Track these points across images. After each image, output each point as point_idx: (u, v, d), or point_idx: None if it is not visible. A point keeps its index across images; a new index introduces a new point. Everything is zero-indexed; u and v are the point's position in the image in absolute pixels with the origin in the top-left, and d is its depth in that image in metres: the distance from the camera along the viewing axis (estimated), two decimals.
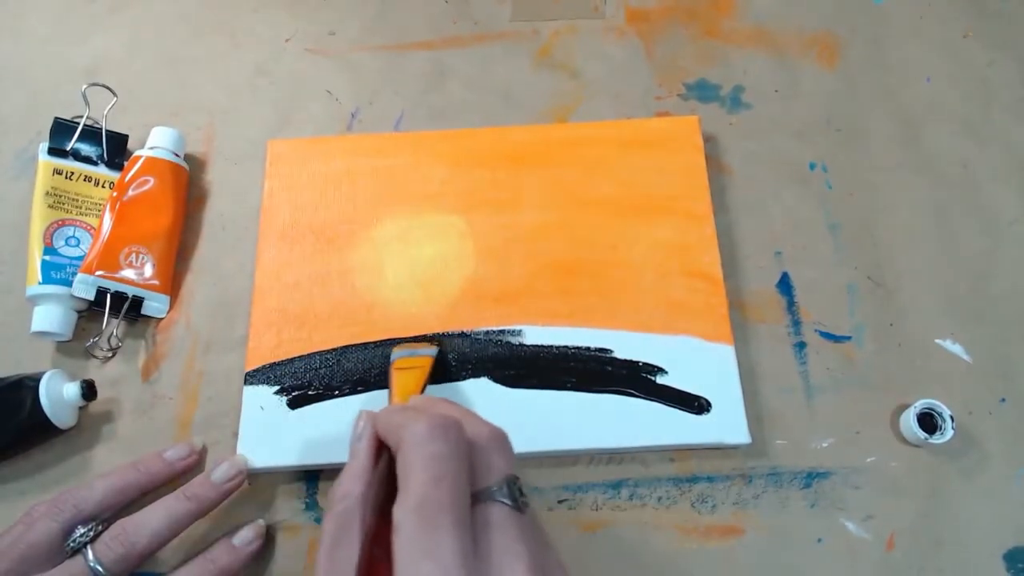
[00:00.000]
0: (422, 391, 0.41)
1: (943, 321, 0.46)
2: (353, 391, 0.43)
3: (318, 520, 0.42)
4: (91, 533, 0.37)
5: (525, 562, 0.26)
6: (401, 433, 0.29)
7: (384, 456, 0.32)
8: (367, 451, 0.32)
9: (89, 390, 0.43)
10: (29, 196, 0.48)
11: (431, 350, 0.43)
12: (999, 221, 0.48)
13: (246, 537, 0.40)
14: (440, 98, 0.54)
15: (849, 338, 0.46)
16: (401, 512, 0.26)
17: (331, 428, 0.42)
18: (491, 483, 0.29)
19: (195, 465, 0.43)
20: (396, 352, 0.43)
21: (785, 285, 0.47)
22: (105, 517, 0.39)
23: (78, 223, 0.48)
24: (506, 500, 0.28)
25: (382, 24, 0.56)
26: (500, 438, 0.31)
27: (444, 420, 0.29)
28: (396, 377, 0.41)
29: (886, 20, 0.55)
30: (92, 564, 0.36)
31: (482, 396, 0.43)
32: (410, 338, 0.44)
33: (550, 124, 0.52)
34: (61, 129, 0.49)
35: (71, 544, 0.37)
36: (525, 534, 0.28)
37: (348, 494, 0.30)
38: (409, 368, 0.41)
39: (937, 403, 0.42)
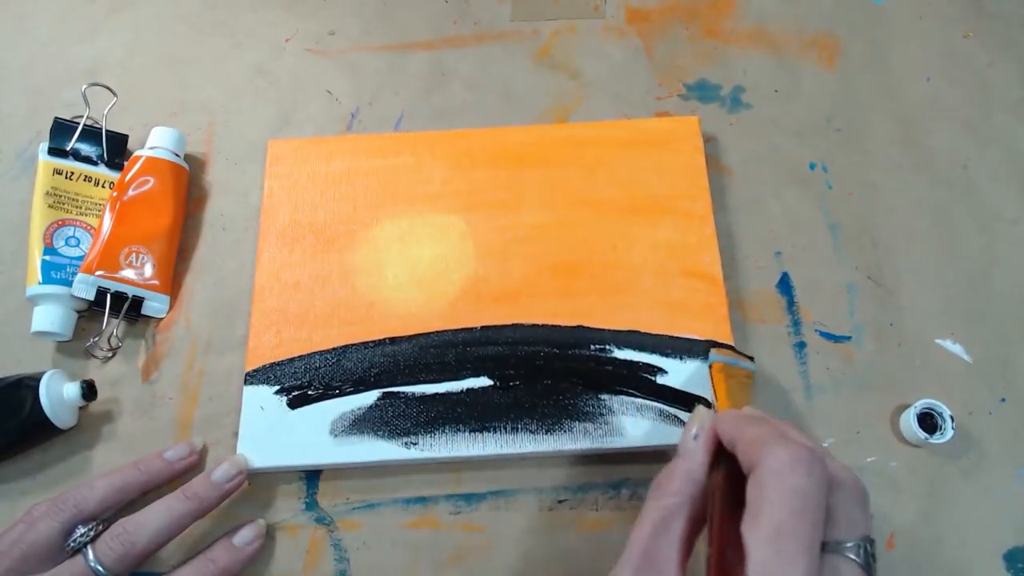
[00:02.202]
0: (750, 403, 0.40)
1: (943, 321, 0.46)
2: (354, 391, 0.43)
3: (318, 520, 0.42)
4: (91, 533, 0.37)
5: None
6: (758, 451, 0.28)
7: (723, 463, 0.31)
8: (705, 452, 0.32)
9: (89, 390, 0.43)
10: (29, 196, 0.48)
11: (751, 364, 0.42)
12: (999, 221, 0.48)
13: (246, 537, 0.40)
14: (440, 98, 0.54)
15: (849, 338, 0.46)
16: (755, 538, 0.26)
17: (331, 428, 0.42)
18: (848, 538, 0.28)
19: (195, 465, 0.43)
20: (715, 355, 0.42)
21: (785, 285, 0.47)
22: (106, 516, 0.39)
23: (78, 223, 0.48)
24: (859, 560, 0.27)
25: (382, 24, 0.56)
26: (863, 491, 0.29)
27: (809, 453, 0.27)
28: (721, 381, 0.40)
29: (886, 20, 0.55)
30: (92, 564, 0.36)
31: (482, 395, 0.43)
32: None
33: (550, 124, 0.52)
34: (61, 129, 0.49)
35: (72, 544, 0.37)
36: None
37: (679, 492, 0.30)
38: (733, 376, 0.41)
39: (937, 403, 0.42)
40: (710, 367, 0.42)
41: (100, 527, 0.38)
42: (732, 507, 0.28)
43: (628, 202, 0.48)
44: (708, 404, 0.42)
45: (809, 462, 0.27)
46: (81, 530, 0.37)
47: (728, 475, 0.30)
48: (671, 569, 0.29)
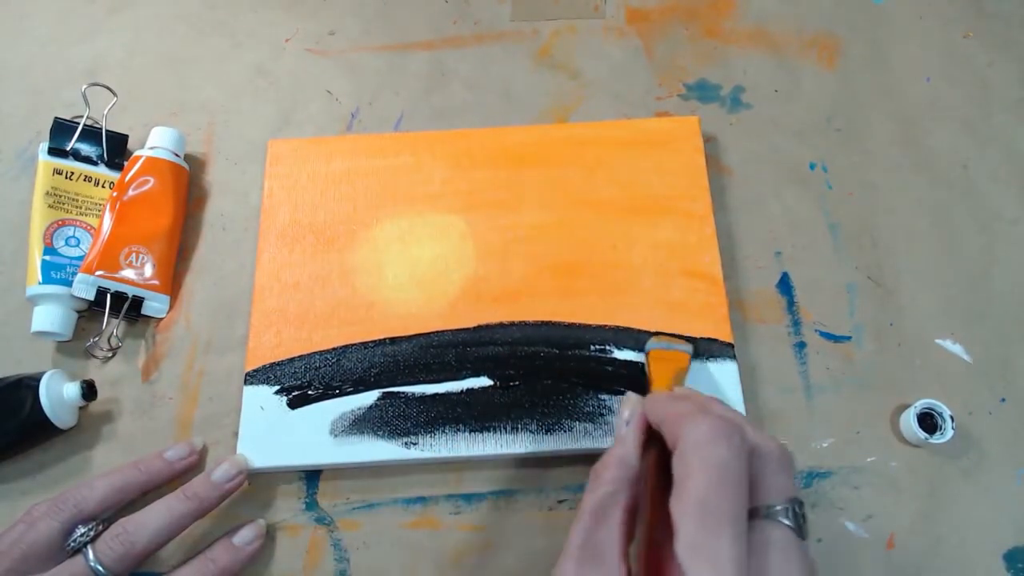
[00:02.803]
0: (682, 385, 0.41)
1: (943, 321, 0.46)
2: (354, 391, 0.43)
3: (318, 520, 0.42)
4: (91, 533, 0.37)
5: None
6: (680, 427, 0.28)
7: (654, 446, 0.32)
8: (636, 436, 0.32)
9: (89, 390, 0.43)
10: (29, 196, 0.48)
11: (687, 346, 0.43)
12: (999, 221, 0.48)
13: (246, 536, 0.40)
14: (440, 98, 0.54)
15: (849, 338, 0.46)
16: (679, 511, 0.26)
17: (331, 428, 0.42)
18: (775, 502, 0.28)
19: (195, 465, 0.43)
20: (652, 343, 0.43)
21: (785, 285, 0.47)
22: (106, 516, 0.39)
23: (78, 223, 0.48)
24: (789, 523, 0.27)
25: (382, 24, 0.56)
26: (787, 456, 0.30)
27: (728, 424, 0.28)
28: (655, 366, 0.42)
29: (886, 20, 0.55)
30: (92, 564, 0.36)
31: (482, 395, 0.43)
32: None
33: (550, 124, 0.52)
34: (61, 129, 0.49)
35: (72, 544, 0.37)
36: (804, 563, 0.27)
37: (615, 479, 0.30)
38: (667, 360, 0.42)
39: (937, 403, 0.42)
40: (647, 354, 0.42)
41: (100, 527, 0.38)
42: (663, 487, 0.29)
43: (628, 202, 0.48)
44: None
45: (727, 432, 0.27)
46: (81, 530, 0.37)
47: (659, 456, 0.31)
48: (612, 558, 0.29)
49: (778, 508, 0.28)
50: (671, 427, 0.29)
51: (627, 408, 0.34)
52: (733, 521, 0.25)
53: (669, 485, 0.27)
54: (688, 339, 0.43)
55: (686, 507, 0.26)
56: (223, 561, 0.39)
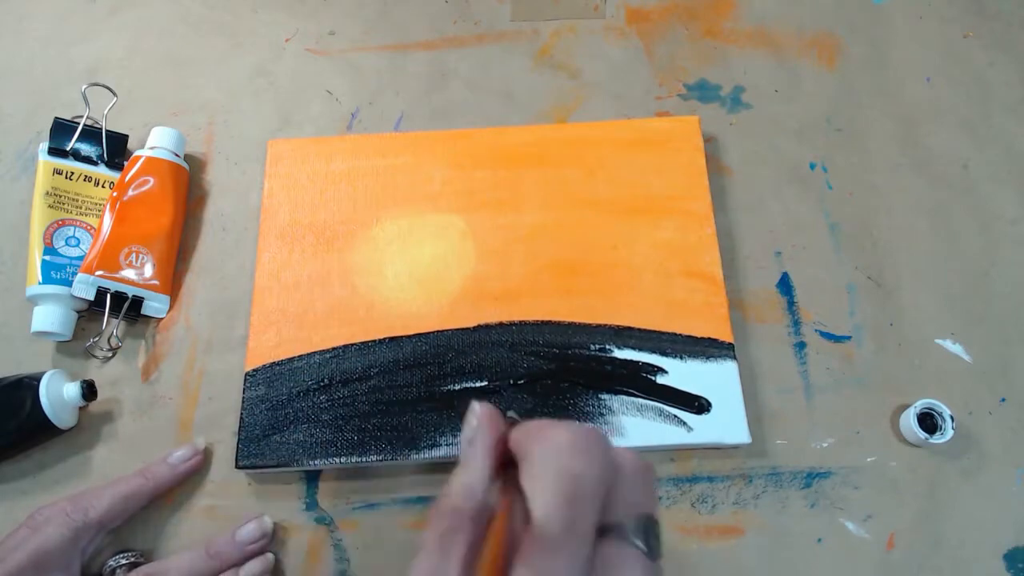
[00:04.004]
0: None
1: (943, 321, 0.46)
2: (354, 390, 0.43)
3: (318, 520, 0.42)
4: (124, 562, 0.39)
5: None
6: (535, 438, 0.25)
7: (511, 470, 0.27)
8: (483, 459, 0.27)
9: (89, 390, 0.43)
10: (29, 196, 0.48)
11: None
12: (999, 221, 0.48)
13: (252, 534, 0.40)
14: (440, 98, 0.54)
15: (849, 338, 0.46)
16: (527, 532, 0.23)
17: (331, 428, 0.42)
18: (627, 520, 0.25)
19: (200, 465, 0.43)
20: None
21: (785, 285, 0.47)
22: (113, 526, 0.39)
23: (78, 223, 0.48)
24: (640, 544, 0.25)
25: (382, 24, 0.56)
26: (648, 471, 0.27)
27: (588, 434, 0.25)
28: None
29: (886, 20, 0.55)
30: None
31: (482, 395, 0.43)
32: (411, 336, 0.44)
33: (550, 124, 0.52)
34: (61, 129, 0.49)
35: (106, 570, 0.38)
36: None
37: (457, 510, 0.26)
38: None
39: (937, 403, 0.42)
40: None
41: (136, 556, 0.40)
42: (516, 512, 0.25)
43: (628, 202, 0.48)
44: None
45: (589, 443, 0.25)
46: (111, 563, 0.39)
47: (511, 478, 0.27)
48: None
49: (629, 527, 0.25)
50: (525, 438, 0.26)
51: (472, 422, 0.28)
52: (577, 542, 0.23)
53: (524, 512, 0.24)
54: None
55: (532, 524, 0.23)
56: (226, 554, 0.39)
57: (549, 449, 0.24)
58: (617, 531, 0.25)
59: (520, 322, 0.45)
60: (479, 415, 0.28)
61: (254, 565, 0.40)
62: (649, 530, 0.25)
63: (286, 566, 0.41)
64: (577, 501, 0.23)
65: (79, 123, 0.49)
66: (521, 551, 0.23)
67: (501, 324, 0.45)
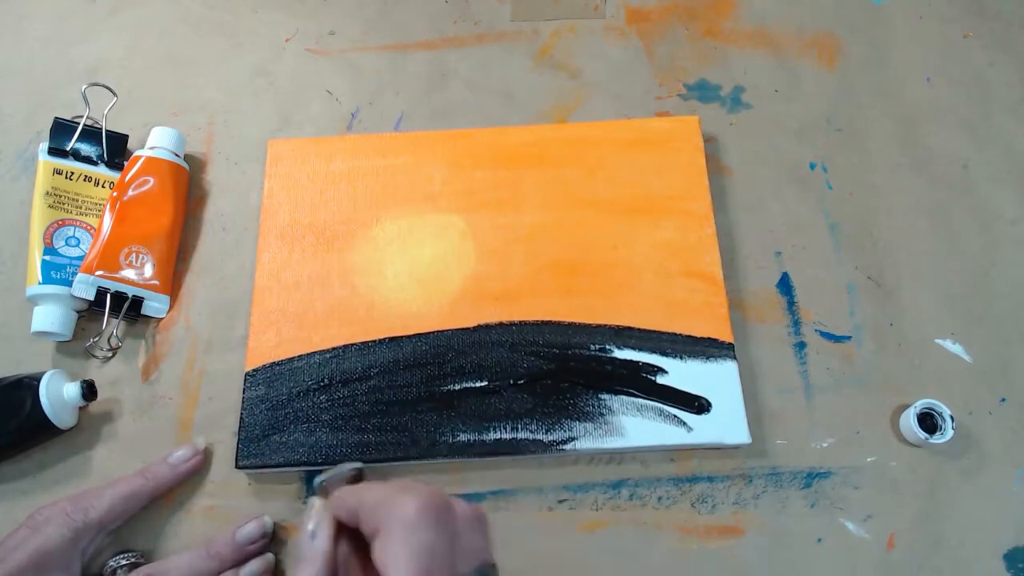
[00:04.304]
0: None
1: (943, 321, 0.46)
2: (354, 390, 0.43)
3: None
4: (125, 563, 0.39)
5: None
6: (382, 515, 0.26)
7: (346, 538, 0.28)
8: (326, 551, 0.28)
9: (89, 390, 0.43)
10: (29, 196, 0.48)
11: (354, 464, 0.34)
12: (999, 221, 0.48)
13: (252, 533, 0.40)
14: (440, 98, 0.54)
15: (849, 338, 0.46)
16: None
17: (331, 428, 0.42)
18: (469, 571, 0.26)
19: (200, 466, 0.43)
20: (317, 479, 0.33)
21: (785, 285, 0.47)
22: (114, 526, 0.39)
23: (78, 223, 0.48)
24: None
25: (382, 24, 0.56)
26: (481, 519, 0.28)
27: (435, 501, 0.26)
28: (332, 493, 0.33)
29: (886, 20, 0.55)
30: None
31: (481, 395, 0.43)
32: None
33: (550, 124, 0.52)
34: (61, 129, 0.49)
35: (107, 570, 0.38)
36: None
37: None
38: (338, 484, 0.33)
39: (937, 403, 0.42)
40: (317, 489, 0.32)
41: (133, 557, 0.39)
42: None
43: (628, 202, 0.48)
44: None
45: (436, 511, 0.25)
46: (111, 564, 0.39)
47: (357, 552, 0.27)
48: None
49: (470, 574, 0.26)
50: (371, 515, 0.26)
51: (312, 518, 0.29)
52: None
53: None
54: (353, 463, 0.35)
55: None
56: (225, 552, 0.39)
57: (400, 526, 0.25)
58: None
59: (520, 322, 0.45)
60: (318, 507, 0.29)
61: (254, 565, 0.40)
62: (487, 574, 0.26)
63: (286, 566, 0.41)
64: (434, 572, 0.24)
65: (79, 123, 0.49)
66: None
67: (501, 324, 0.45)
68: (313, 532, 0.28)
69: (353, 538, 0.28)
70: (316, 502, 0.29)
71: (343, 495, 0.29)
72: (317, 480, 0.33)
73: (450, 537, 0.26)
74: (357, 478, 0.33)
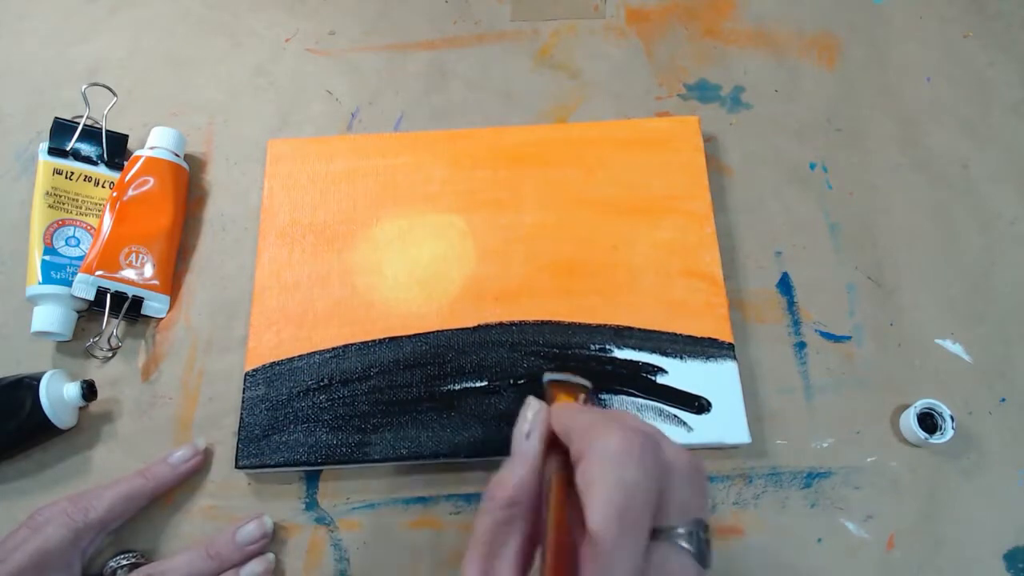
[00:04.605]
0: None
1: (943, 321, 0.46)
2: (354, 390, 0.43)
3: (318, 520, 0.42)
4: (126, 563, 0.39)
5: None
6: (588, 441, 0.25)
7: (557, 462, 0.28)
8: (537, 453, 0.28)
9: (89, 390, 0.43)
10: (29, 196, 0.48)
11: (585, 382, 0.36)
12: (999, 221, 0.48)
13: (253, 534, 0.40)
14: (440, 98, 0.54)
15: (849, 338, 0.46)
16: (583, 539, 0.24)
17: (331, 428, 0.42)
18: (679, 524, 0.25)
19: (200, 466, 0.43)
20: (549, 375, 0.36)
21: (785, 285, 0.47)
22: (114, 526, 0.39)
23: (78, 223, 0.48)
24: (691, 548, 0.25)
25: (382, 24, 0.56)
26: (699, 472, 0.26)
27: (642, 438, 0.25)
28: (556, 394, 0.35)
29: (886, 20, 0.55)
30: None
31: (482, 395, 0.43)
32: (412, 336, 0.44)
33: (550, 124, 0.52)
34: (61, 129, 0.49)
35: (107, 570, 0.38)
36: None
37: (513, 502, 0.27)
38: (566, 390, 0.35)
39: (937, 403, 0.42)
40: (546, 384, 0.36)
41: (134, 557, 0.39)
42: (568, 506, 0.26)
43: (628, 202, 0.48)
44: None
45: (641, 449, 0.24)
46: (112, 564, 0.39)
47: (564, 473, 0.27)
48: None
49: (680, 531, 0.25)
50: (579, 438, 0.26)
51: (528, 419, 0.29)
52: (630, 553, 0.23)
53: (576, 503, 0.25)
54: (585, 378, 0.37)
55: (587, 532, 0.23)
56: (225, 553, 0.39)
57: (603, 457, 0.24)
58: (668, 535, 0.25)
59: (520, 322, 0.45)
60: (535, 410, 0.29)
61: (254, 565, 0.40)
62: (700, 535, 0.25)
63: (286, 566, 0.41)
64: (631, 512, 0.23)
65: (79, 123, 0.49)
66: (580, 557, 0.23)
67: (501, 324, 0.45)
68: (528, 432, 0.28)
69: (563, 455, 0.28)
70: (535, 403, 0.29)
71: (559, 411, 0.29)
72: (546, 377, 0.35)
73: (656, 481, 0.25)
74: (581, 389, 0.34)
